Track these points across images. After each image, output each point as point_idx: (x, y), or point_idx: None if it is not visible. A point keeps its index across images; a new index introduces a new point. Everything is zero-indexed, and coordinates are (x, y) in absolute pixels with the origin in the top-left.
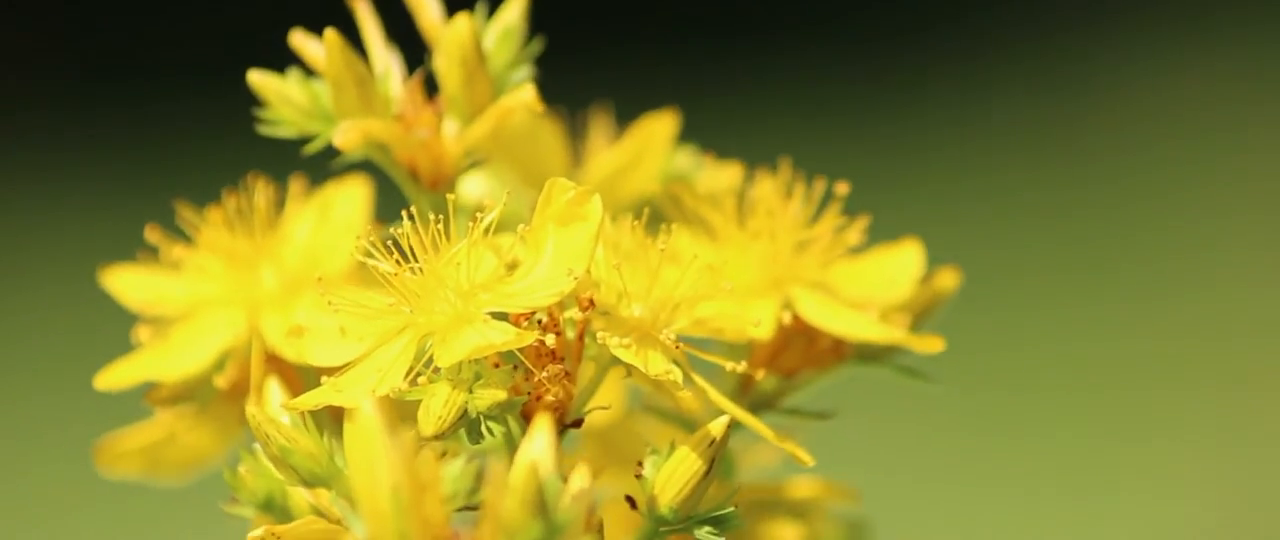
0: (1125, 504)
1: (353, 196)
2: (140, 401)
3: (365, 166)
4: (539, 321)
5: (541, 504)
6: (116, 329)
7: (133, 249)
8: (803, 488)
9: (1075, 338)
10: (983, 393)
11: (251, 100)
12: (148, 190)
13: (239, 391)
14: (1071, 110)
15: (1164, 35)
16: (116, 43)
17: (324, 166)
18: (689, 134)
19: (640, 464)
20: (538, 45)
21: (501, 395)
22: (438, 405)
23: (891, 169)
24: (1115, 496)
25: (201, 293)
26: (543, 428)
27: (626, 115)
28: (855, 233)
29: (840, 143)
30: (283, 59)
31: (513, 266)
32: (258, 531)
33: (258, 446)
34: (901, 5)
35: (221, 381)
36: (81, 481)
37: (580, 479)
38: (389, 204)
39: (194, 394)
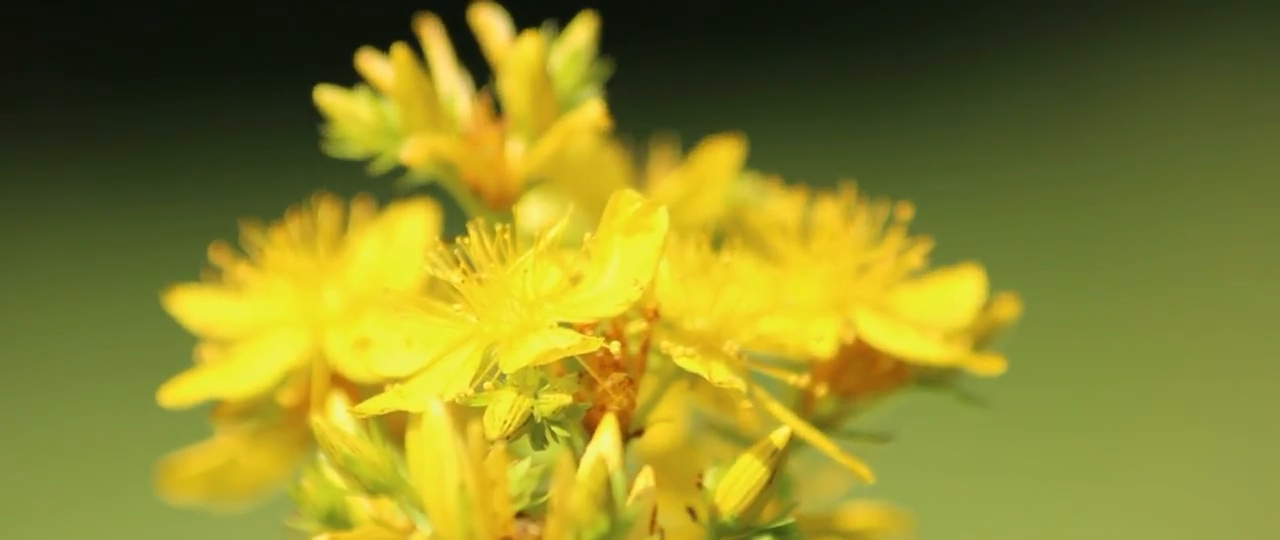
0: (1130, 497)
1: (418, 219)
2: (142, 404)
3: (428, 190)
4: (603, 332)
5: (609, 500)
6: (116, 328)
7: (132, 248)
8: (859, 517)
9: (1076, 333)
10: (984, 387)
11: (248, 101)
12: (147, 190)
13: (300, 413)
14: (1072, 108)
15: (1164, 33)
16: (117, 43)
17: (334, 176)
18: (689, 134)
19: (701, 475)
20: (606, 67)
21: (566, 400)
22: (503, 410)
23: (891, 168)
24: (1119, 489)
25: (266, 313)
26: (609, 427)
27: (625, 115)
28: (916, 257)
29: (840, 141)
30: (282, 58)
31: (577, 280)
32: (321, 538)
33: (321, 459)
34: (901, 4)
35: (285, 399)
36: (81, 481)
37: (645, 480)
38: (451, 229)
39: (258, 412)
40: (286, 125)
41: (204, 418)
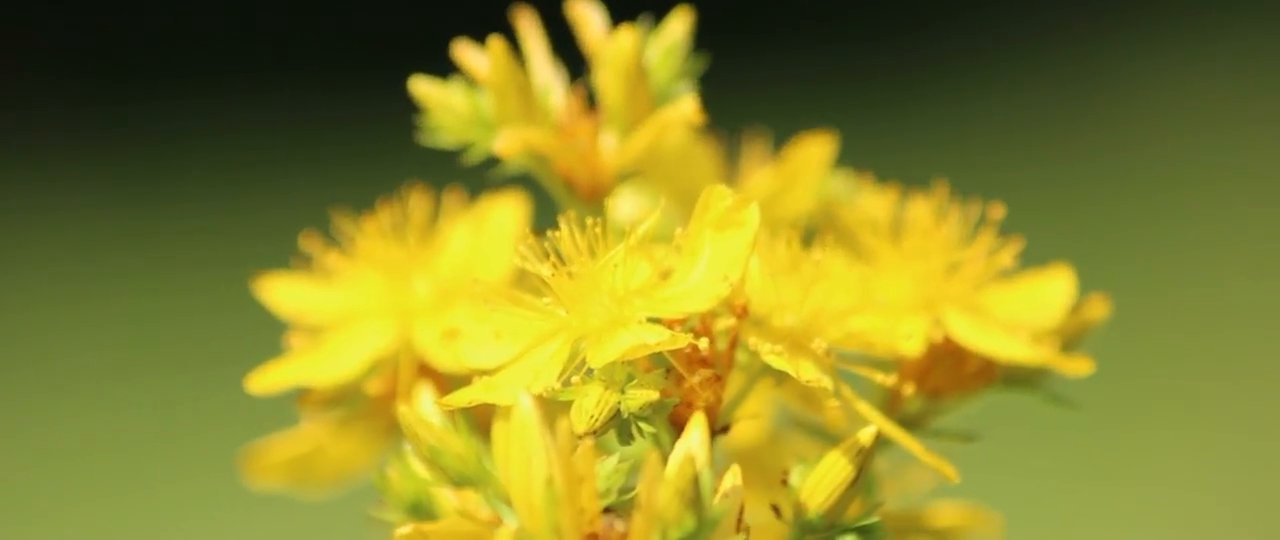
0: (1130, 497)
1: (509, 211)
2: (142, 404)
3: (517, 181)
4: (691, 328)
5: (696, 497)
6: (116, 329)
7: (132, 249)
8: (945, 516)
9: None
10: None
11: (249, 99)
12: (147, 190)
13: (386, 402)
14: (1072, 108)
15: (1164, 33)
16: (117, 43)
17: (335, 176)
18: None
19: (786, 473)
20: (702, 61)
21: (654, 395)
22: (590, 404)
23: (891, 167)
24: (1119, 489)
25: (355, 301)
26: (698, 425)
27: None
28: (1007, 256)
29: (840, 140)
30: (282, 58)
31: (666, 274)
32: (406, 529)
33: (406, 449)
34: (901, 4)
35: (372, 388)
36: (81, 481)
37: (732, 478)
38: (541, 221)
39: (345, 401)
40: (286, 125)
41: (204, 419)
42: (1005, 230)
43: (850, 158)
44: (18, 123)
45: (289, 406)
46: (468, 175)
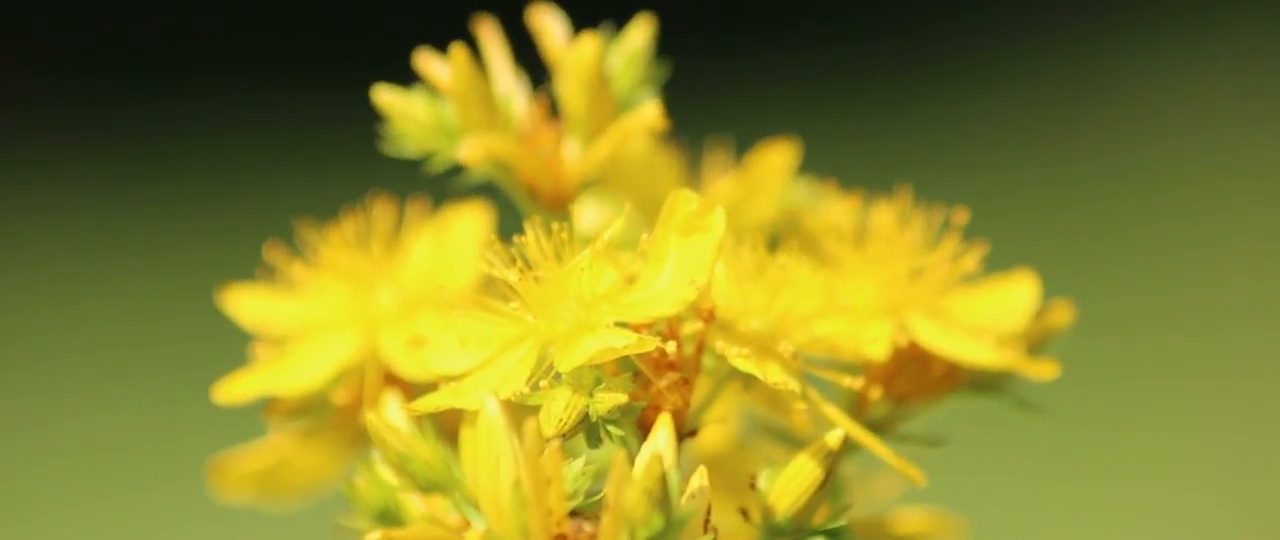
0: (1130, 497)
1: (472, 219)
2: (142, 404)
3: (479, 191)
4: (658, 332)
5: (664, 496)
6: (116, 328)
7: (132, 249)
8: (911, 522)
9: (1077, 332)
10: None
11: (248, 101)
12: (148, 190)
13: (353, 412)
14: (1072, 109)
15: (1164, 33)
16: (117, 43)
17: (335, 176)
18: (687, 133)
19: (754, 476)
20: (664, 69)
21: (622, 399)
22: (558, 408)
23: (891, 166)
24: (1119, 489)
25: (319, 311)
26: (664, 426)
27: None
28: (971, 261)
29: (840, 141)
30: (283, 59)
31: (633, 279)
32: (374, 534)
33: (374, 457)
34: (901, 4)
35: (338, 398)
36: (81, 481)
37: (699, 479)
38: (503, 230)
39: (311, 410)
40: (286, 124)
41: (204, 419)
42: (1006, 231)
43: (850, 158)
44: (18, 122)
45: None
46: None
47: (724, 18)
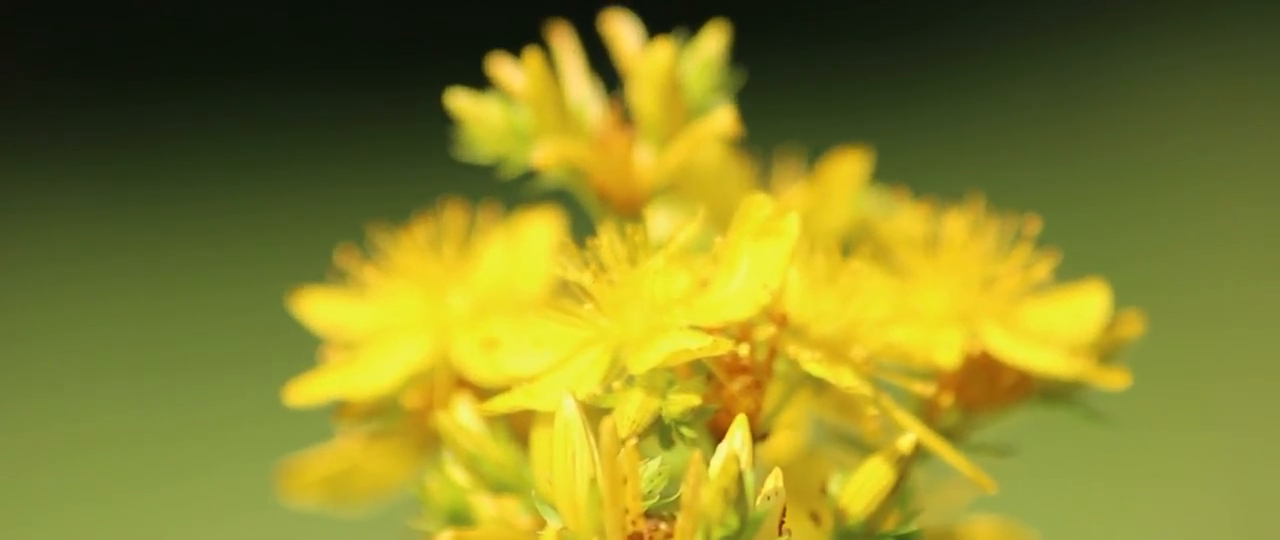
0: (1129, 496)
1: (544, 225)
2: (141, 403)
3: (544, 197)
4: (731, 335)
5: (740, 497)
6: (115, 328)
7: (131, 248)
8: (981, 532)
9: None
10: None
11: (247, 100)
12: (148, 190)
13: (423, 416)
14: (1071, 109)
15: (1164, 33)
16: (117, 42)
17: (335, 174)
18: None
19: (825, 481)
20: (738, 77)
21: (695, 401)
22: (632, 409)
23: (892, 166)
24: (1119, 489)
25: (391, 315)
26: (740, 427)
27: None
28: (1042, 270)
29: (840, 140)
30: (284, 59)
31: (706, 283)
32: (446, 534)
33: (445, 459)
34: (901, 4)
35: (409, 401)
36: (81, 480)
37: (774, 480)
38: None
39: (381, 415)
40: (286, 124)
41: (203, 417)
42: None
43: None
44: (17, 122)
45: (288, 409)
46: (472, 179)
47: (721, 14)
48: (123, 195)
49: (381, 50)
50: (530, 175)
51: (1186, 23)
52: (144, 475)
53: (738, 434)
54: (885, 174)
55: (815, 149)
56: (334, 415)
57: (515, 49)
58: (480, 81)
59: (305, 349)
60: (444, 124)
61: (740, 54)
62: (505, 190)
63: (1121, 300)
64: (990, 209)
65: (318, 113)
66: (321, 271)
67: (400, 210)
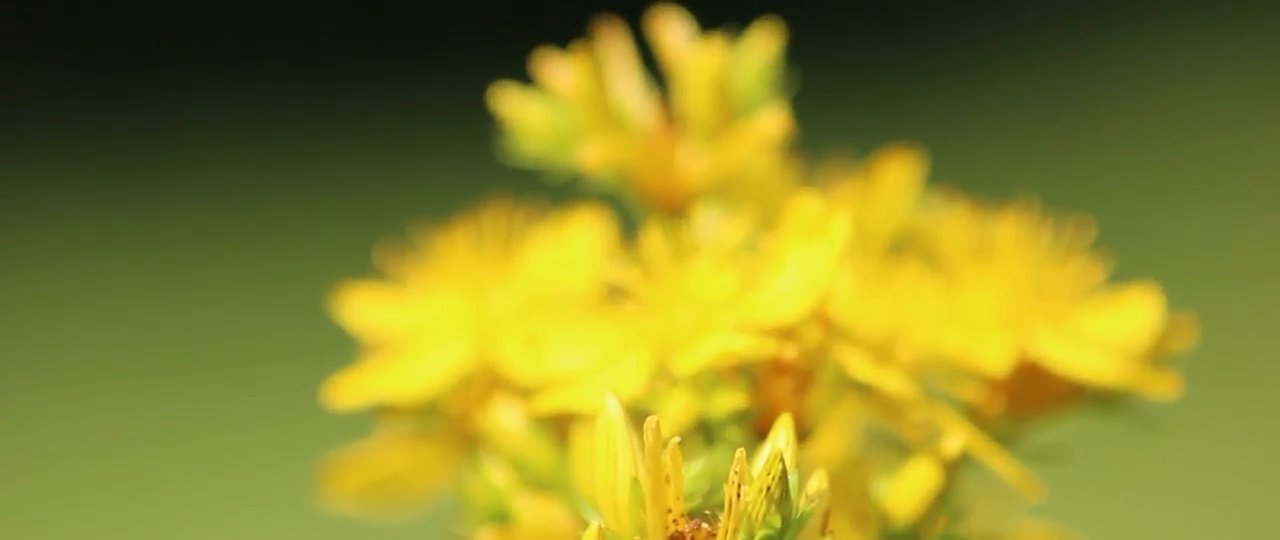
0: (1133, 503)
1: (588, 225)
2: (143, 402)
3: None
4: (777, 336)
5: (783, 496)
6: (115, 327)
7: (130, 247)
8: (1032, 536)
9: None
10: None
11: (248, 98)
12: (147, 187)
13: (464, 417)
14: (1078, 103)
15: (1171, 28)
16: (116, 37)
17: (335, 173)
18: None
19: (870, 486)
20: (790, 78)
21: (740, 402)
22: (675, 410)
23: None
24: (1122, 496)
25: (433, 315)
26: (784, 426)
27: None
28: (1096, 275)
29: (840, 137)
30: (282, 54)
31: (752, 285)
32: (487, 534)
33: (486, 459)
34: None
35: (452, 404)
36: (80, 478)
37: (818, 481)
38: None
39: (423, 416)
40: (284, 121)
41: (202, 415)
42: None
43: (852, 149)
44: (16, 117)
45: (289, 404)
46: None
47: (721, 15)
48: (121, 192)
49: (401, 43)
50: (576, 172)
51: (1193, 18)
52: (143, 472)
53: (782, 433)
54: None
55: (819, 140)
56: (375, 416)
57: (558, 43)
58: (524, 76)
59: (306, 348)
60: (485, 120)
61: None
62: (547, 187)
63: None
64: (1003, 207)
65: (322, 108)
66: (331, 271)
67: (429, 209)
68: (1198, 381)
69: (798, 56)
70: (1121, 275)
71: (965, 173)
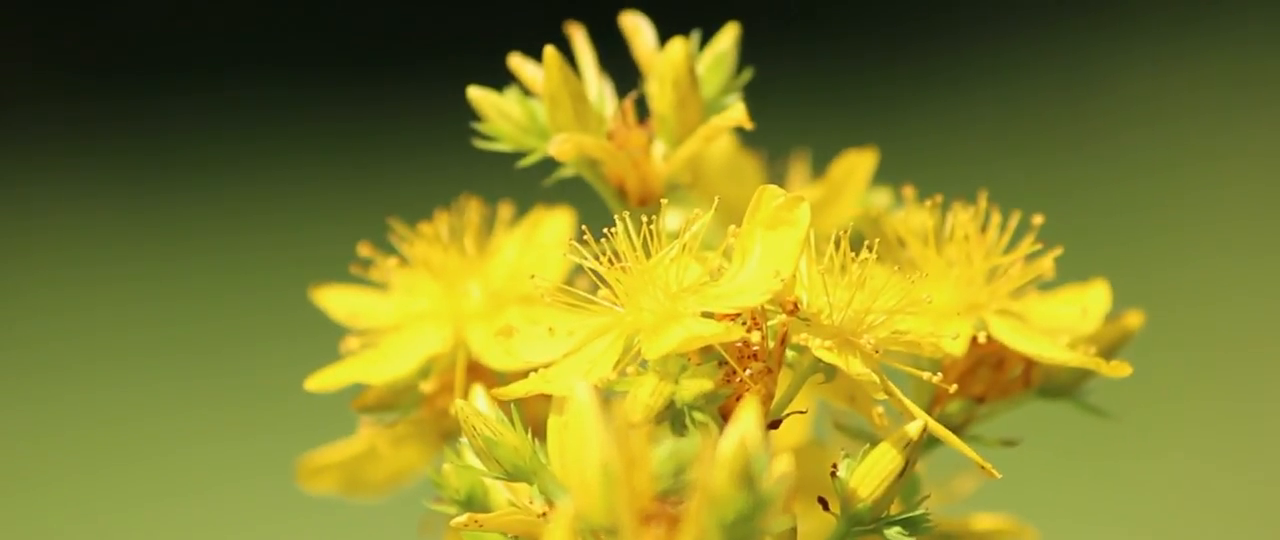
0: (1131, 468)
1: (559, 222)
2: (140, 403)
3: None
4: (743, 323)
5: (749, 477)
6: (114, 327)
7: (129, 243)
8: (985, 522)
9: None
10: None
11: (248, 96)
12: (146, 187)
13: (439, 405)
14: (1068, 94)
15: (1160, 28)
16: (115, 37)
17: (335, 173)
18: None
19: (835, 466)
20: (749, 74)
21: (708, 386)
22: (645, 394)
23: (887, 162)
24: (1121, 461)
25: (409, 307)
26: (751, 409)
27: None
28: (1047, 264)
29: (838, 136)
30: (279, 54)
31: (718, 272)
32: (462, 518)
33: (461, 445)
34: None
35: (426, 387)
36: (80, 478)
37: (783, 464)
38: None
39: (399, 401)
40: (282, 120)
41: (200, 413)
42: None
43: (846, 150)
44: (15, 117)
45: (288, 396)
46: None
47: (718, 11)
48: (120, 191)
49: (391, 46)
50: (548, 169)
51: (1180, 11)
52: (143, 471)
53: (748, 417)
54: (888, 170)
55: (814, 141)
56: (353, 402)
57: (532, 47)
58: (497, 78)
59: (309, 347)
60: (459, 120)
61: (742, 50)
62: (522, 188)
63: (1118, 281)
64: (994, 203)
65: (322, 108)
66: (331, 267)
67: (409, 207)
68: (1189, 348)
69: (785, 62)
70: (1112, 256)
71: (956, 168)
